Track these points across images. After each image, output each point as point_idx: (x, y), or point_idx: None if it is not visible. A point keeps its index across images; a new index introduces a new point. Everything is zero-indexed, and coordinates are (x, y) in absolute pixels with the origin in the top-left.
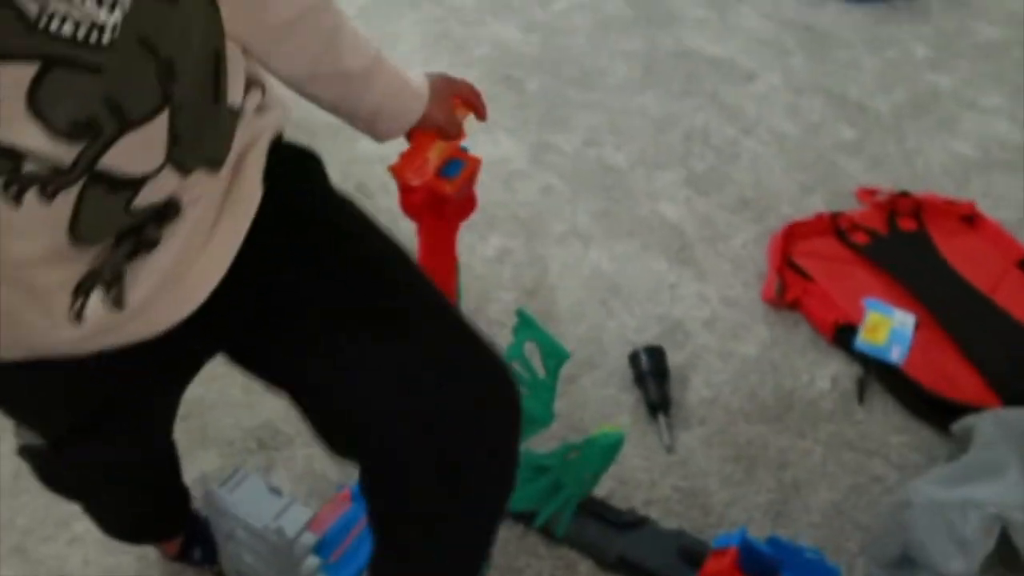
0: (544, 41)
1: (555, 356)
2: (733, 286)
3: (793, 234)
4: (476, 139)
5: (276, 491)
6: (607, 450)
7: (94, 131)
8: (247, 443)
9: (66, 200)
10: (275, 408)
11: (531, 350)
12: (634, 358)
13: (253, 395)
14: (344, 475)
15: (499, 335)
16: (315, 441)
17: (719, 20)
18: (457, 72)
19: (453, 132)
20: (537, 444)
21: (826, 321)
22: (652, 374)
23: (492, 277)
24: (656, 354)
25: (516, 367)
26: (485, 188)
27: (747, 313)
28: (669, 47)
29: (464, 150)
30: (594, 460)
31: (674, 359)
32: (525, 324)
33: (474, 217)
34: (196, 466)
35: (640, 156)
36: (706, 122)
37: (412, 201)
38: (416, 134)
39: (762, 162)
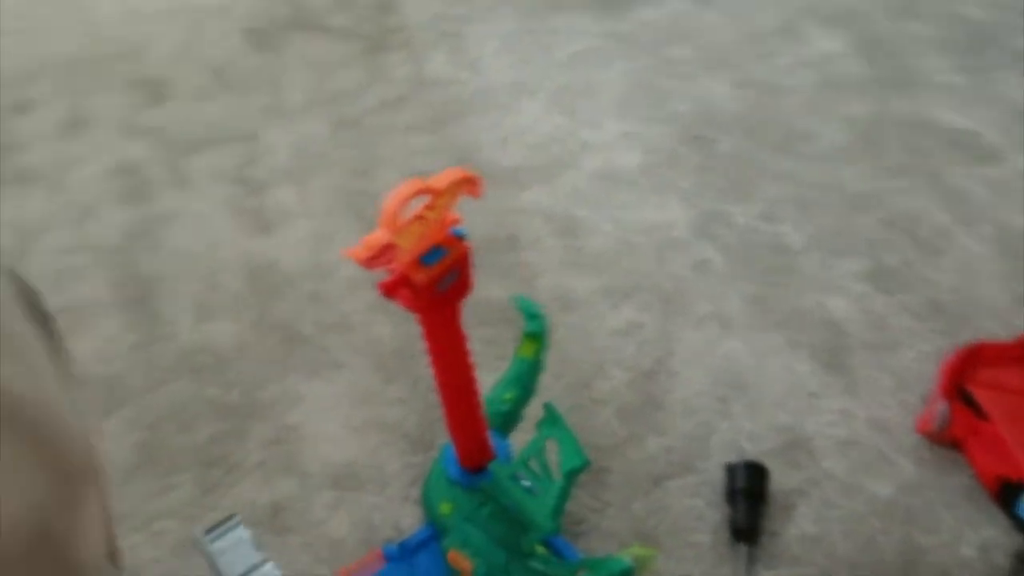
0: (754, 99)
1: (572, 462)
2: (888, 407)
3: (978, 356)
4: (645, 200)
5: (258, 547)
6: None
7: None
8: (323, 481)
9: None
10: (363, 449)
11: (553, 449)
12: (731, 471)
13: (348, 431)
14: (398, 533)
15: (599, 415)
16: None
17: (972, 86)
18: (648, 128)
19: None
20: (596, 546)
21: (990, 472)
22: (745, 494)
23: (611, 352)
24: (755, 472)
25: (531, 465)
26: (635, 254)
27: (895, 443)
28: (900, 114)
29: (459, 235)
30: None
31: (786, 481)
32: (550, 421)
33: (613, 284)
34: (272, 493)
35: (820, 238)
36: (916, 206)
37: (384, 288)
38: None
39: (974, 262)
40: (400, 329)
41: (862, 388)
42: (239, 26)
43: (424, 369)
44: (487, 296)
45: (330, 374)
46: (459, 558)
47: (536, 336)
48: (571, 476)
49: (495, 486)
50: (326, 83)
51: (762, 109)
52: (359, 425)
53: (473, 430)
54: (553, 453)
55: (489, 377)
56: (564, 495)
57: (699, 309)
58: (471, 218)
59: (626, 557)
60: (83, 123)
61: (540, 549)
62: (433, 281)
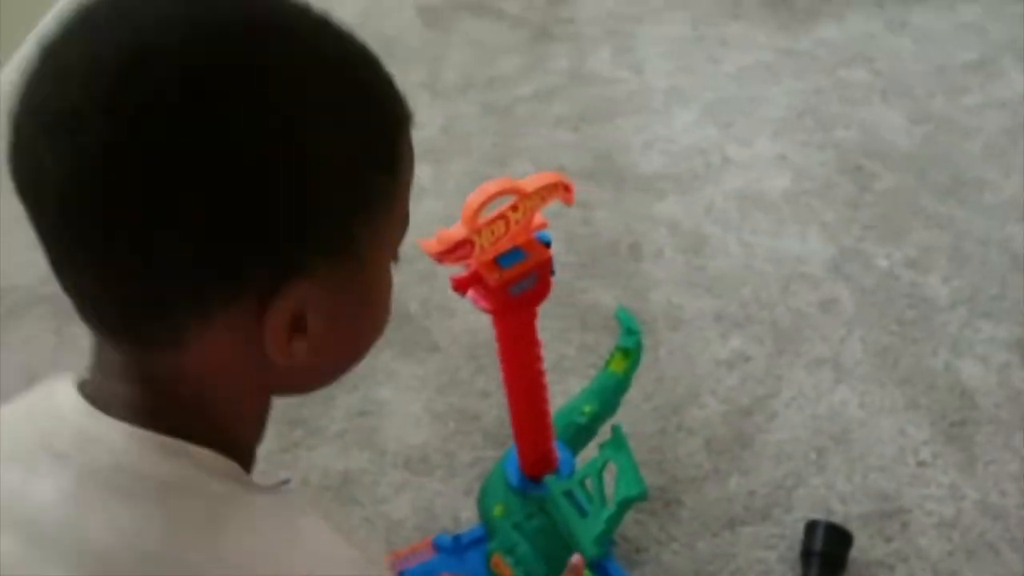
0: (929, 136)
1: (628, 490)
2: (1007, 493)
3: None
4: (783, 227)
5: None
6: None
7: None
8: (396, 459)
9: None
10: (439, 435)
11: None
12: (810, 529)
13: (430, 415)
14: (455, 525)
15: (684, 444)
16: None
17: None
18: (804, 152)
19: None
20: None
21: None
22: (822, 557)
23: (711, 380)
24: (837, 536)
25: (587, 485)
26: (758, 283)
27: (1006, 534)
28: None
29: (542, 241)
30: None
31: (871, 551)
32: (615, 444)
33: (728, 310)
34: (346, 463)
35: (970, 296)
36: None
37: (456, 283)
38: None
39: None
40: None
41: (980, 467)
42: (415, 1)
43: None
44: (595, 301)
45: (424, 355)
46: (501, 564)
47: (628, 352)
48: (624, 505)
49: (547, 500)
50: (485, 67)
51: (936, 148)
52: (441, 411)
53: (536, 438)
54: (612, 478)
55: (577, 384)
56: (614, 522)
57: (815, 351)
58: (597, 220)
59: None
60: None
61: (586, 573)
62: (506, 283)
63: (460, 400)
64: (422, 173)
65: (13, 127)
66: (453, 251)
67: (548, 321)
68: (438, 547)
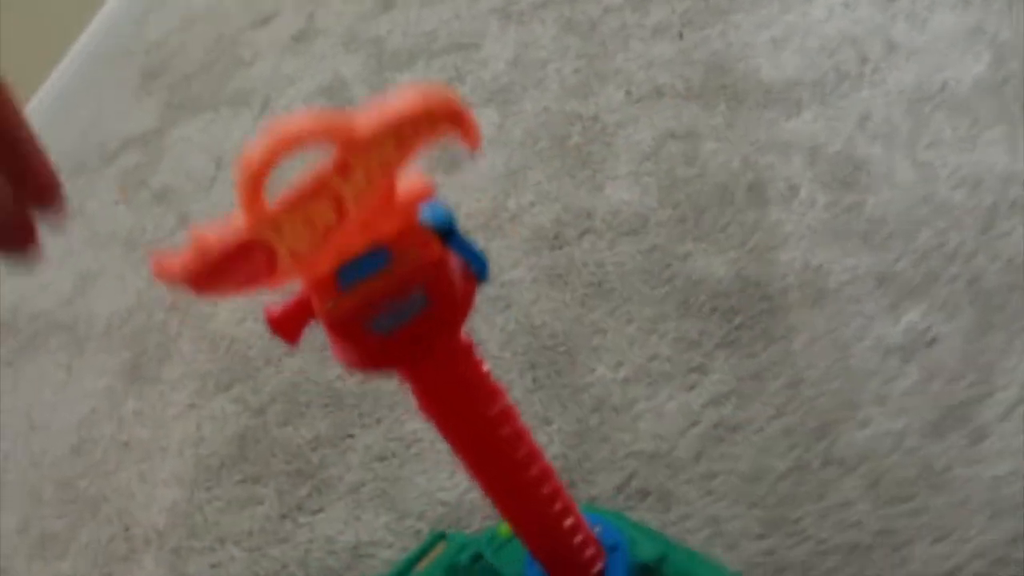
0: None
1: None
2: None
3: None
4: (981, 134)
5: None
6: None
7: None
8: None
9: None
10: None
11: None
12: None
13: None
14: None
15: (835, 488)
16: None
17: None
18: (1011, 20)
19: None
20: None
21: None
22: None
23: (876, 380)
24: None
25: None
26: (944, 220)
27: None
28: None
29: (432, 223)
30: None
31: None
32: None
33: (897, 268)
34: (355, 529)
35: None
36: None
37: (269, 320)
38: None
39: None
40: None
41: None
42: None
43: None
44: (700, 272)
45: None
46: None
47: None
48: None
49: None
50: None
51: None
52: None
53: (545, 537)
54: None
55: (672, 398)
56: None
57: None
58: (704, 154)
59: None
60: (312, 36)
61: None
62: (354, 316)
63: None
64: (486, 120)
65: None
66: (218, 270)
67: (632, 305)
68: None
